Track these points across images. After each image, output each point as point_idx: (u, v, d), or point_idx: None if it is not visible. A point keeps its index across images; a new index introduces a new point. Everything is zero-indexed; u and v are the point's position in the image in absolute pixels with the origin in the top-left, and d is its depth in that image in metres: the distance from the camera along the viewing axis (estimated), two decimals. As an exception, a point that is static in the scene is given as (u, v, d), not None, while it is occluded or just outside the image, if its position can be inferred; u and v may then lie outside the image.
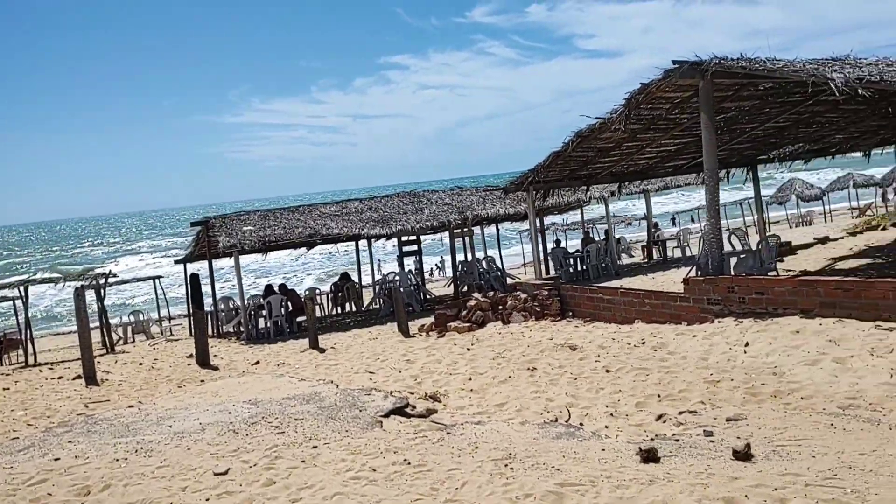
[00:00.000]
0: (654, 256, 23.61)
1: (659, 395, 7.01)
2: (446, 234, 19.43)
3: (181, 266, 21.27)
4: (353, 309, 21.05)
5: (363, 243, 22.98)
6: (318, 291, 22.20)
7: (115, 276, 19.95)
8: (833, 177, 38.02)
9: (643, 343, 9.11)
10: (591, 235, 22.37)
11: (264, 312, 17.35)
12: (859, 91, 8.31)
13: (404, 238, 21.04)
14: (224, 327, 20.28)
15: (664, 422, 6.27)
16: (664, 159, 15.69)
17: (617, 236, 24.36)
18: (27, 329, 18.14)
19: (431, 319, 13.25)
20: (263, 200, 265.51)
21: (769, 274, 12.45)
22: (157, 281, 24.14)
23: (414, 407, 7.40)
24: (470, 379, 8.74)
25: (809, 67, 8.74)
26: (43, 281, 18.72)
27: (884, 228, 21.65)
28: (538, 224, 19.86)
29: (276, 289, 18.11)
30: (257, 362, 12.23)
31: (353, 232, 17.83)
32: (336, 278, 22.87)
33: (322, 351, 12.57)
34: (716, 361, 7.77)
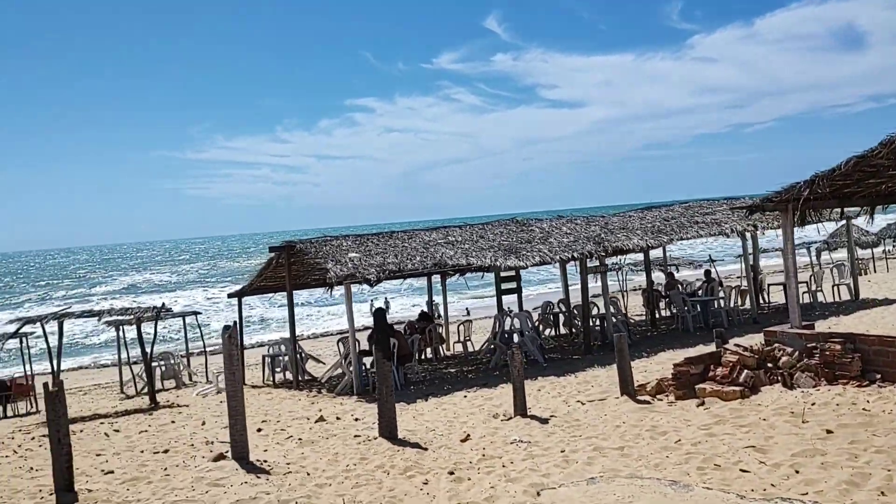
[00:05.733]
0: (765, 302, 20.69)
1: None
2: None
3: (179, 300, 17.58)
4: (436, 355, 17.64)
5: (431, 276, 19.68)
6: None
7: (169, 310, 16.19)
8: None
9: None
10: (711, 275, 19.41)
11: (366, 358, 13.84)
12: None
13: (503, 273, 17.86)
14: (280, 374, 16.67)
15: None
16: None
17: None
18: (59, 368, 14.26)
19: (595, 372, 9.94)
20: (223, 237, 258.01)
21: None
22: (196, 317, 20.34)
23: None
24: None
25: None
26: (82, 315, 14.85)
27: None
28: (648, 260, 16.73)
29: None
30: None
31: (484, 262, 14.52)
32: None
33: (545, 421, 9.09)
34: None
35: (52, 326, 15.19)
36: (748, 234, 18.13)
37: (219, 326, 36.96)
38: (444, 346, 18.52)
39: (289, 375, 16.70)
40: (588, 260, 15.56)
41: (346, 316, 13.71)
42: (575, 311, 18.71)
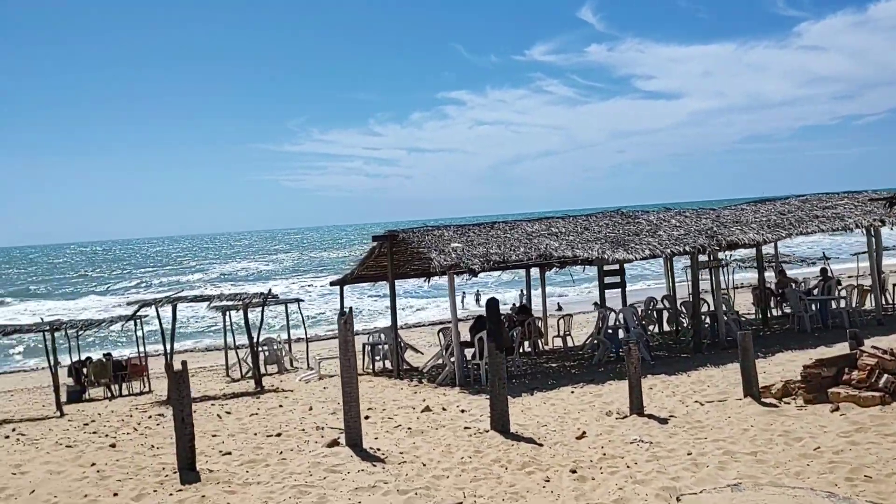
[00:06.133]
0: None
1: None
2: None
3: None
4: (534, 349, 17.31)
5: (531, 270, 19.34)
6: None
7: (275, 296, 16.56)
8: None
9: None
10: (828, 272, 18.27)
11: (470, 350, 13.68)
12: None
13: (606, 267, 17.31)
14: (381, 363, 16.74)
15: None
16: None
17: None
18: (172, 350, 14.79)
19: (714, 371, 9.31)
20: (317, 228, 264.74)
21: None
22: (298, 305, 20.77)
23: None
24: None
25: None
26: (194, 299, 15.36)
27: None
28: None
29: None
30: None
31: (591, 254, 14.11)
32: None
33: (663, 422, 8.69)
34: None
35: (164, 310, 15.77)
36: (873, 230, 16.91)
37: (313, 314, 37.86)
38: (542, 340, 18.18)
39: (388, 364, 16.77)
40: (698, 255, 14.89)
41: (449, 306, 13.60)
42: (681, 308, 17.99)
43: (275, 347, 19.88)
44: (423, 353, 18.31)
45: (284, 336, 21.73)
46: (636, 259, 14.48)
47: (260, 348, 19.18)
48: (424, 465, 7.23)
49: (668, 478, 6.41)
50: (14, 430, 11.92)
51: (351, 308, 9.09)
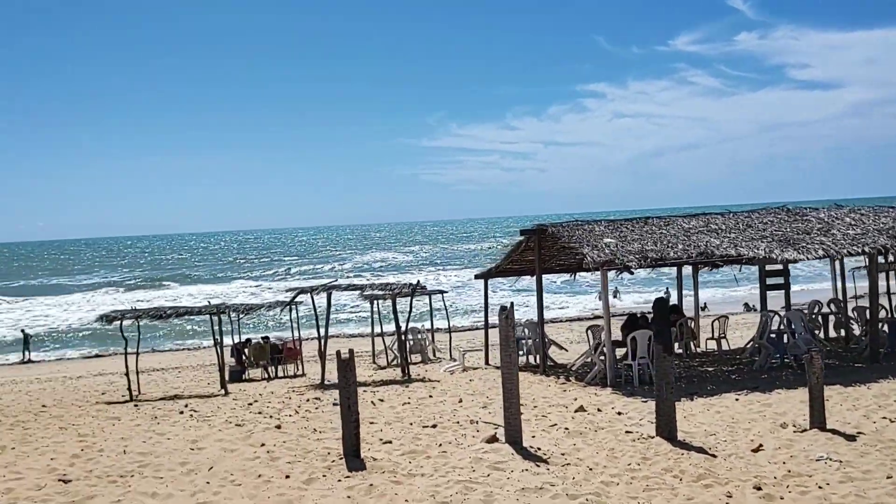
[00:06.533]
0: None
1: None
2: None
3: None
4: (685, 351, 16.49)
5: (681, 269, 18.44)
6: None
7: (423, 287, 16.83)
8: None
9: None
10: None
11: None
12: None
13: (768, 267, 16.23)
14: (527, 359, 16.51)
15: None
16: None
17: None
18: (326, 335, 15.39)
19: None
20: (452, 221, 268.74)
21: None
22: (443, 296, 21.03)
23: None
24: None
25: None
26: (348, 288, 15.85)
27: None
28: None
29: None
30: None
31: (757, 253, 13.25)
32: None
33: (851, 438, 7.95)
34: None
35: (318, 297, 16.35)
36: None
37: (449, 306, 38.26)
38: (695, 342, 17.32)
39: (531, 359, 16.59)
40: (879, 256, 13.61)
41: (601, 304, 13.20)
42: (853, 314, 16.57)
43: (419, 337, 20.18)
44: (566, 350, 17.96)
45: (427, 326, 22.04)
46: (807, 259, 13.42)
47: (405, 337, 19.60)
48: (591, 469, 6.98)
49: (868, 503, 5.81)
50: (186, 405, 12.77)
51: (512, 303, 8.94)
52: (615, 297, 41.62)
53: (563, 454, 7.64)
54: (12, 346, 32.87)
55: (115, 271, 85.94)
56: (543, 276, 15.88)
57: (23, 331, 32.94)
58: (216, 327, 15.20)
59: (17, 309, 50.21)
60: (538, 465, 7.12)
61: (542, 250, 15.29)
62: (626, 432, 8.62)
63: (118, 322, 14.67)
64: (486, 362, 17.39)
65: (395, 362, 18.47)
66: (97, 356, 30.06)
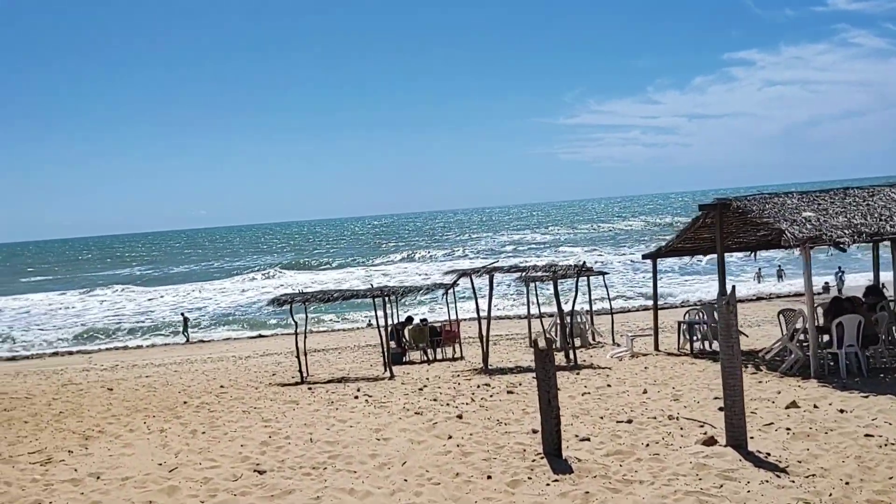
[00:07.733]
0: None
1: None
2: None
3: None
4: (888, 337, 14.56)
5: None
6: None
7: (589, 269, 15.97)
8: None
9: None
10: None
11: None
12: None
13: None
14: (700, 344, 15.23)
15: None
16: None
17: None
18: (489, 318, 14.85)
19: None
20: (591, 200, 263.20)
21: None
22: (604, 278, 20.04)
23: None
24: None
25: None
26: (509, 270, 15.28)
27: None
28: None
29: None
30: None
31: None
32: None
33: None
34: None
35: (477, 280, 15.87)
36: None
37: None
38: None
39: (706, 345, 15.34)
40: None
41: (804, 285, 11.79)
42: None
43: (579, 320, 19.31)
44: (747, 336, 16.50)
45: (585, 308, 21.12)
46: None
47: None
48: (847, 483, 5.92)
49: None
50: (359, 390, 12.65)
51: (734, 286, 7.93)
52: (757, 280, 38.49)
53: (799, 462, 6.60)
54: (170, 328, 35.03)
55: (268, 255, 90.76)
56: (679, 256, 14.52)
57: (182, 314, 35.06)
58: (380, 311, 15.06)
59: (171, 293, 53.69)
60: (778, 476, 6.15)
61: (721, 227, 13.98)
62: (866, 436, 7.41)
63: (288, 305, 14.86)
64: (656, 348, 16.30)
65: (554, 346, 17.74)
66: (259, 336, 31.44)
